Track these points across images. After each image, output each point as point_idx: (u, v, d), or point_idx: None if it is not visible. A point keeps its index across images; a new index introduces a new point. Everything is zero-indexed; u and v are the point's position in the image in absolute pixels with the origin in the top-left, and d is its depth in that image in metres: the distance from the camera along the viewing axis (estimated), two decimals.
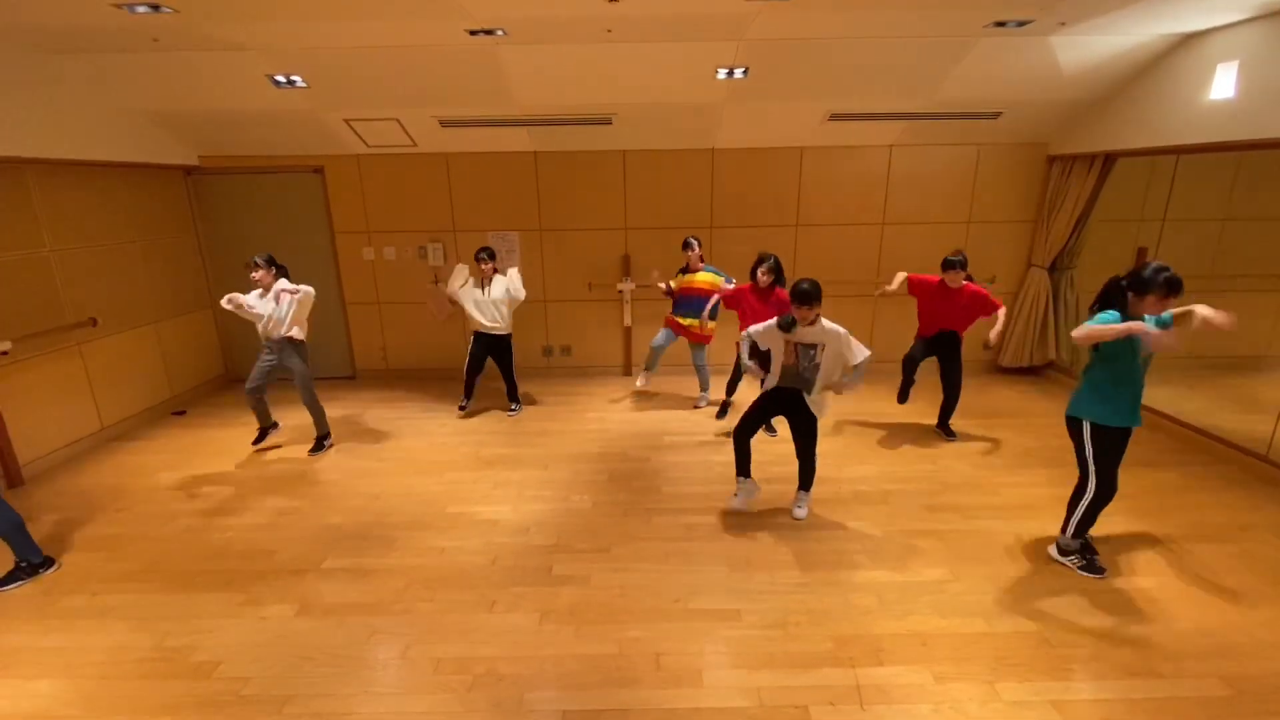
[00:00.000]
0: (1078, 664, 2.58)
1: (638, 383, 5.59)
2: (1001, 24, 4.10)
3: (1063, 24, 4.10)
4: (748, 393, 4.37)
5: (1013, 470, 4.31)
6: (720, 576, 3.20)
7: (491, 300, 5.11)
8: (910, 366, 4.88)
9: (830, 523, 3.68)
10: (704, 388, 5.61)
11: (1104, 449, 3.00)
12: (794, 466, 3.74)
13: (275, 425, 4.89)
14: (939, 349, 4.72)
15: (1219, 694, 2.43)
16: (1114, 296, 2.89)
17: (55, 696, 2.52)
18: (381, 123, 5.39)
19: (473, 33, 4.06)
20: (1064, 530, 3.20)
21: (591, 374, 6.55)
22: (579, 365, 6.59)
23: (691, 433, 5.03)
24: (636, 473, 4.36)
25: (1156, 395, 4.47)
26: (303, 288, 4.38)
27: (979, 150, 5.92)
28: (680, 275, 5.20)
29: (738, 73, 4.72)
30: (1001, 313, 4.47)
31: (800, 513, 3.71)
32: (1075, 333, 2.86)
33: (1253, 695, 2.42)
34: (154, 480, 4.37)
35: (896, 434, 4.93)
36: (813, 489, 3.78)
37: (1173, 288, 2.73)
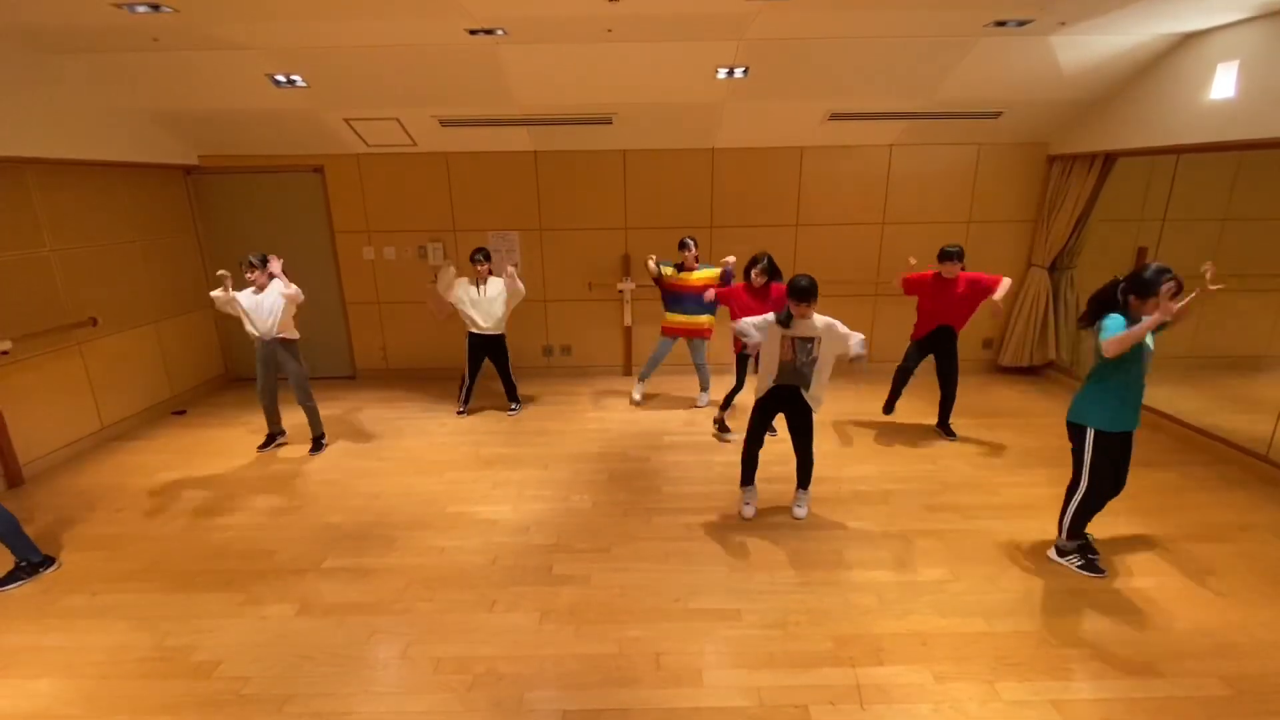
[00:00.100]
0: (1077, 663, 2.59)
1: (635, 396, 5.64)
2: (1001, 24, 4.10)
3: (1063, 23, 4.10)
4: (744, 395, 4.36)
5: (1013, 470, 4.31)
6: (720, 576, 3.20)
7: (487, 300, 5.10)
8: (901, 378, 4.89)
9: (830, 522, 3.68)
10: (704, 387, 5.62)
11: (1103, 453, 3.00)
12: (794, 465, 3.73)
13: (284, 434, 4.89)
14: (935, 346, 4.71)
15: (1219, 694, 2.43)
16: (1112, 301, 2.85)
17: (55, 696, 2.53)
18: (381, 122, 5.39)
19: (473, 32, 4.06)
20: (1059, 531, 3.21)
21: (592, 374, 6.55)
22: (579, 365, 6.59)
23: (692, 433, 5.03)
24: (636, 472, 4.36)
25: (1156, 395, 4.46)
26: (294, 287, 4.38)
27: (979, 150, 5.92)
28: (676, 272, 5.21)
29: (738, 72, 4.72)
30: (1005, 282, 4.45)
31: (800, 512, 3.72)
32: (1108, 349, 2.76)
33: (1253, 695, 2.42)
34: (154, 480, 4.38)
35: (897, 434, 4.93)
36: (812, 488, 3.78)
37: (1175, 288, 2.72)
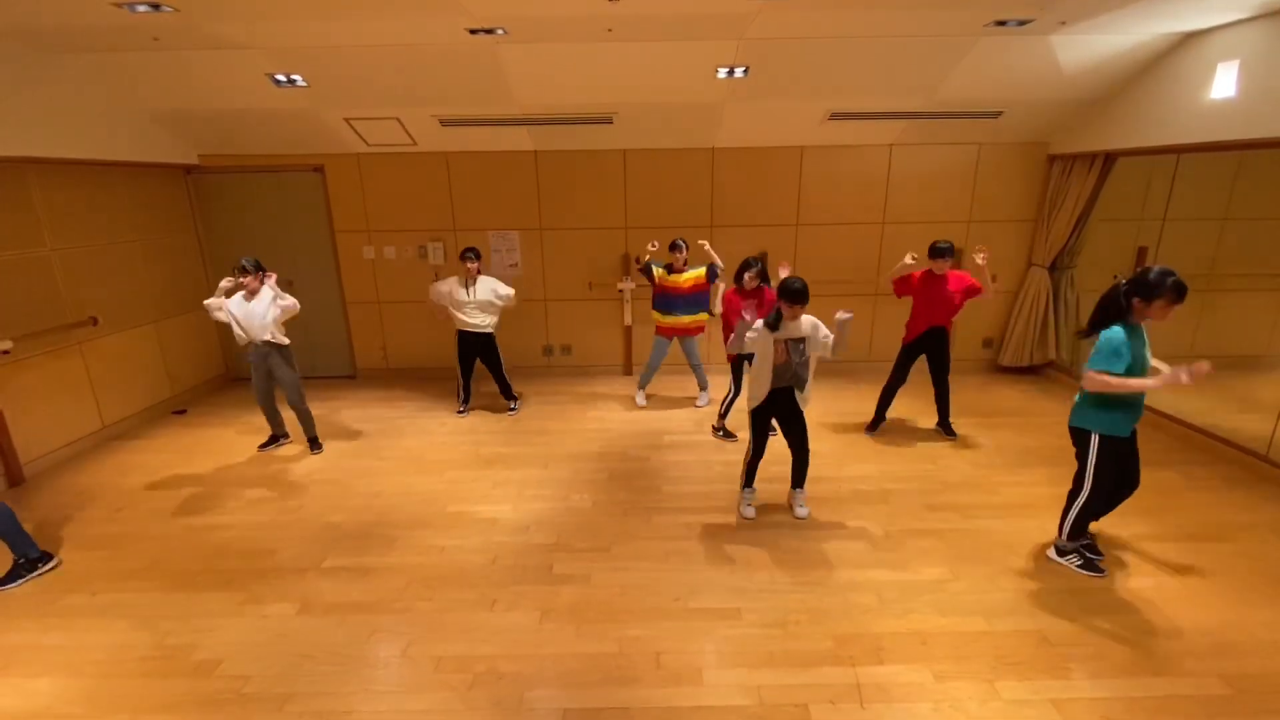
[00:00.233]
0: (1077, 663, 2.59)
1: (639, 400, 5.66)
2: (1002, 23, 4.09)
3: (1063, 23, 4.10)
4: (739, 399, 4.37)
5: (1013, 469, 4.31)
6: (720, 575, 3.20)
7: (475, 301, 5.11)
8: (886, 397, 4.88)
9: (830, 522, 3.68)
10: (703, 386, 5.63)
11: (1107, 457, 2.98)
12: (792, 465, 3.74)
13: (287, 436, 4.89)
14: (926, 347, 4.71)
15: (1218, 693, 2.43)
16: (1115, 305, 2.83)
17: (56, 695, 2.53)
18: (382, 122, 5.39)
19: (473, 31, 4.06)
20: (1059, 532, 3.21)
21: (592, 373, 6.55)
22: (579, 365, 6.59)
23: (691, 432, 5.04)
24: (637, 472, 4.36)
25: (1157, 394, 4.45)
26: (286, 300, 4.38)
27: (979, 149, 5.92)
28: (666, 273, 5.23)
29: (738, 72, 4.72)
30: (989, 285, 4.48)
31: (803, 512, 3.72)
32: (1089, 383, 2.76)
33: (1252, 694, 2.42)
34: (155, 479, 4.38)
35: (896, 433, 4.93)
36: (812, 488, 3.78)
37: (1180, 292, 2.69)
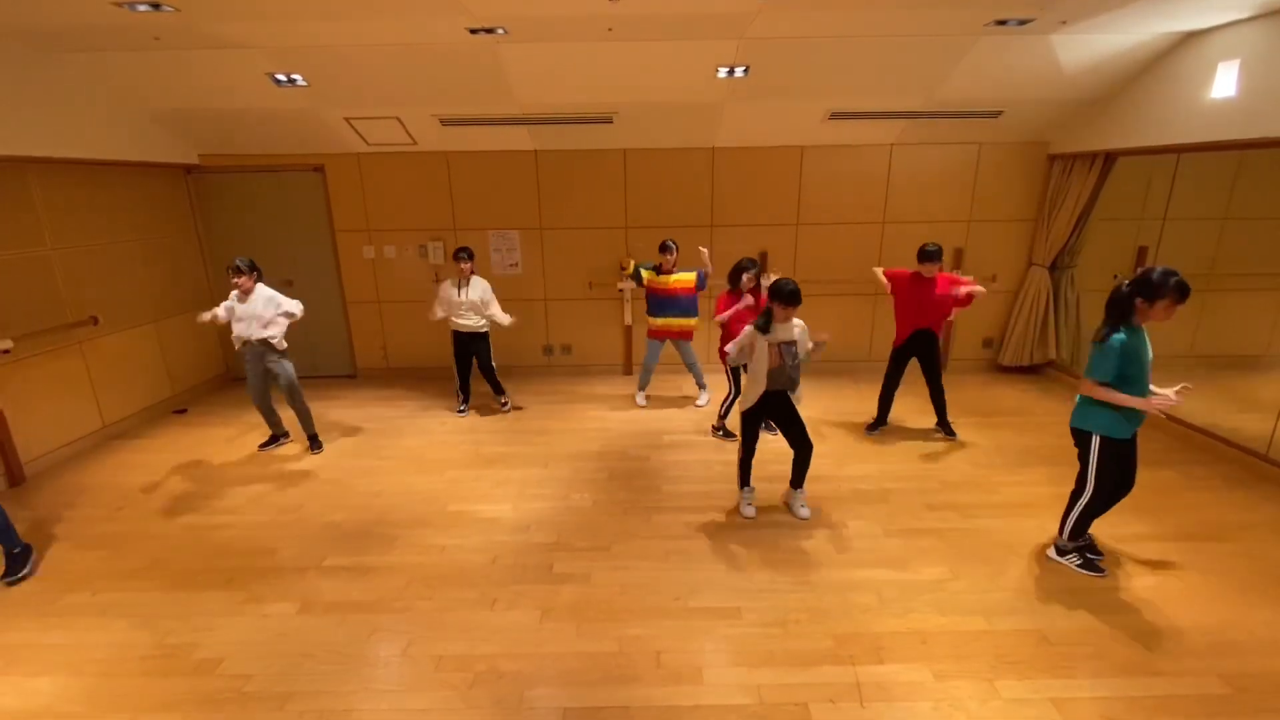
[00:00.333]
0: (1077, 662, 2.59)
1: (639, 401, 5.67)
2: (1002, 22, 4.09)
3: (1064, 22, 4.10)
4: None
5: (1013, 469, 4.31)
6: (720, 575, 3.21)
7: (468, 301, 5.12)
8: (885, 400, 4.89)
9: (830, 521, 3.68)
10: (701, 385, 5.64)
11: (1109, 458, 2.98)
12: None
13: (287, 435, 4.90)
14: (916, 351, 4.71)
15: (1218, 692, 2.43)
16: (1120, 306, 2.83)
17: (57, 694, 2.53)
18: (382, 121, 5.39)
19: (473, 31, 4.07)
20: (1060, 531, 3.21)
21: (592, 373, 6.56)
22: (579, 364, 6.59)
23: (691, 432, 5.04)
24: (637, 471, 4.36)
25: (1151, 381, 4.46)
26: (291, 306, 4.38)
27: (979, 149, 5.92)
28: (655, 274, 5.24)
29: (738, 71, 4.72)
30: (980, 290, 4.47)
31: (805, 512, 3.71)
32: (1083, 391, 2.85)
33: (1252, 693, 2.43)
34: (155, 478, 4.38)
35: (896, 433, 4.93)
36: (812, 487, 3.78)
37: (1183, 292, 2.70)
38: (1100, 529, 3.37)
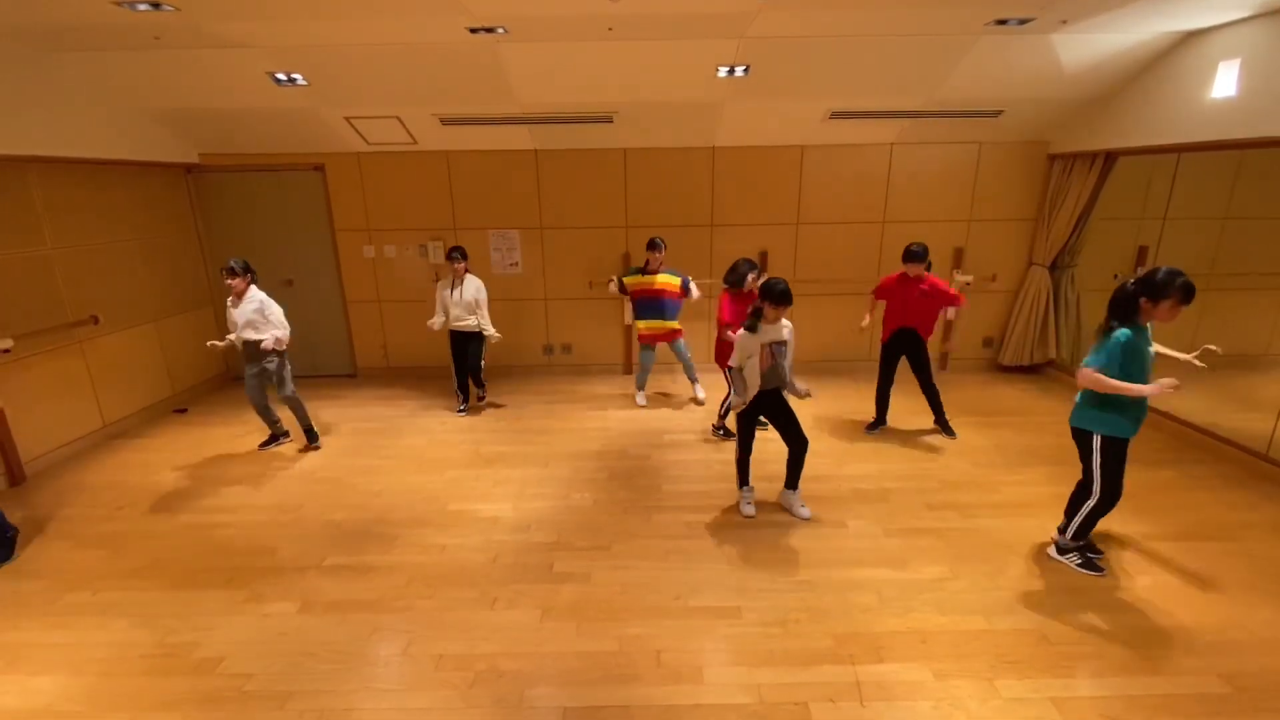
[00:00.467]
0: (1077, 661, 2.59)
1: (639, 401, 5.67)
2: (1003, 22, 4.09)
3: (1064, 22, 4.10)
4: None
5: (1013, 468, 4.31)
6: (720, 574, 3.21)
7: (463, 301, 5.12)
8: (881, 397, 4.90)
9: (830, 521, 3.68)
10: (693, 378, 5.63)
11: (1112, 459, 2.98)
12: None
13: (286, 434, 4.90)
14: (904, 350, 4.72)
15: (1218, 691, 2.44)
16: (1123, 305, 2.82)
17: (58, 693, 2.54)
18: (382, 120, 5.39)
19: (474, 30, 4.06)
20: (1063, 532, 3.21)
21: (592, 372, 6.56)
22: (579, 363, 6.59)
23: (692, 431, 5.04)
24: (637, 470, 4.37)
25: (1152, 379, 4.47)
26: (277, 329, 4.35)
27: (980, 148, 5.92)
28: (637, 275, 5.23)
29: (739, 71, 4.72)
30: (963, 302, 4.52)
31: (805, 512, 3.71)
32: (1085, 379, 2.80)
33: (1252, 693, 2.43)
34: (156, 478, 4.38)
35: (896, 432, 4.93)
36: (812, 487, 3.79)
37: (1188, 293, 2.69)
38: (1101, 528, 3.38)
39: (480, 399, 5.61)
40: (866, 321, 4.86)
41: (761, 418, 3.74)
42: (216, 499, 4.08)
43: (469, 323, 5.21)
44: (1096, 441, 2.98)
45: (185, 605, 3.04)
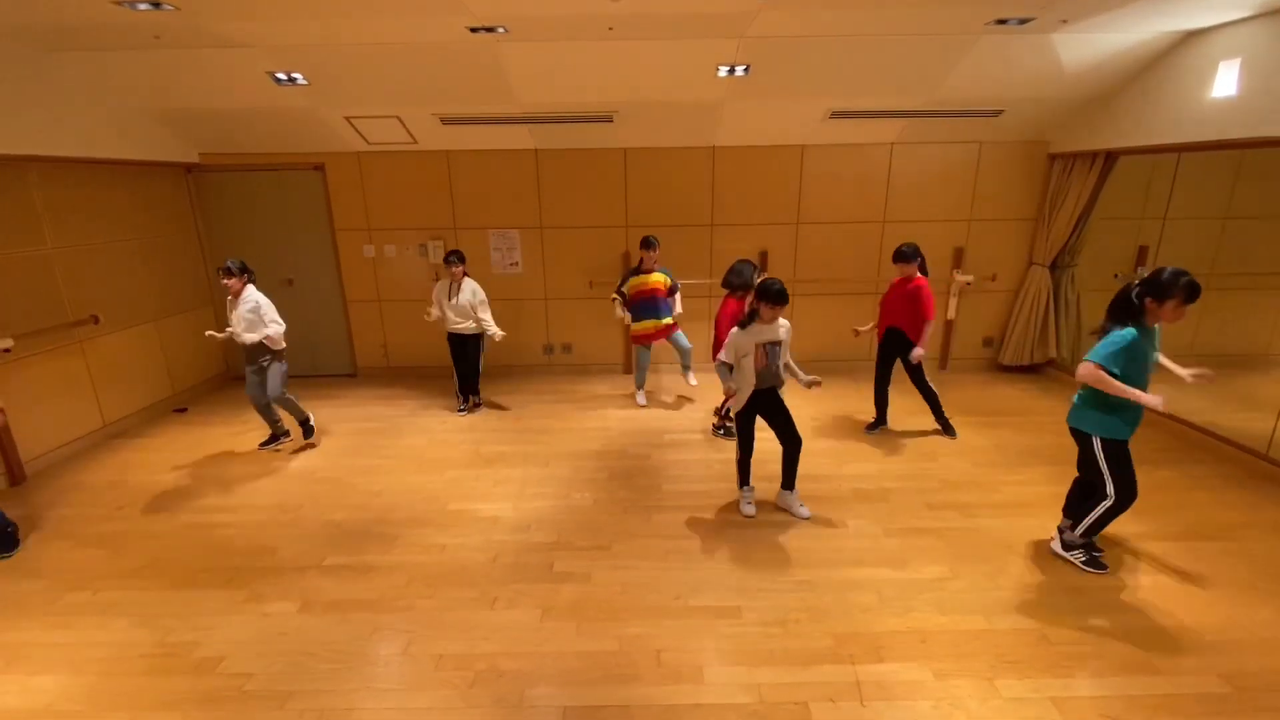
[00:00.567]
0: (1077, 661, 2.59)
1: (639, 400, 5.67)
2: (1003, 21, 4.09)
3: (1064, 21, 4.10)
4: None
5: (1013, 468, 4.31)
6: (720, 574, 3.21)
7: (459, 306, 5.14)
8: (879, 396, 4.90)
9: (830, 520, 3.68)
10: (688, 367, 5.48)
11: (1118, 459, 2.97)
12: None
13: (287, 434, 4.90)
14: (893, 348, 4.72)
15: (1218, 691, 2.44)
16: (1126, 307, 2.81)
17: (58, 692, 2.54)
18: (382, 120, 5.39)
19: (474, 30, 4.06)
20: (1074, 527, 3.19)
21: (592, 372, 6.56)
22: (579, 363, 6.59)
23: (692, 430, 5.04)
24: (637, 470, 4.37)
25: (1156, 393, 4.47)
26: (271, 329, 4.33)
27: (980, 148, 5.92)
28: (631, 278, 5.23)
29: (739, 70, 4.72)
30: (926, 328, 4.46)
31: (805, 511, 3.71)
32: (1085, 373, 2.78)
33: (1252, 692, 2.43)
34: (156, 477, 4.38)
35: (896, 432, 4.93)
36: (812, 486, 3.79)
37: (1193, 292, 2.69)
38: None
39: (475, 404, 5.59)
40: (866, 328, 4.85)
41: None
42: (217, 498, 4.08)
43: (467, 326, 5.22)
44: (1097, 444, 2.98)
45: (185, 605, 3.04)
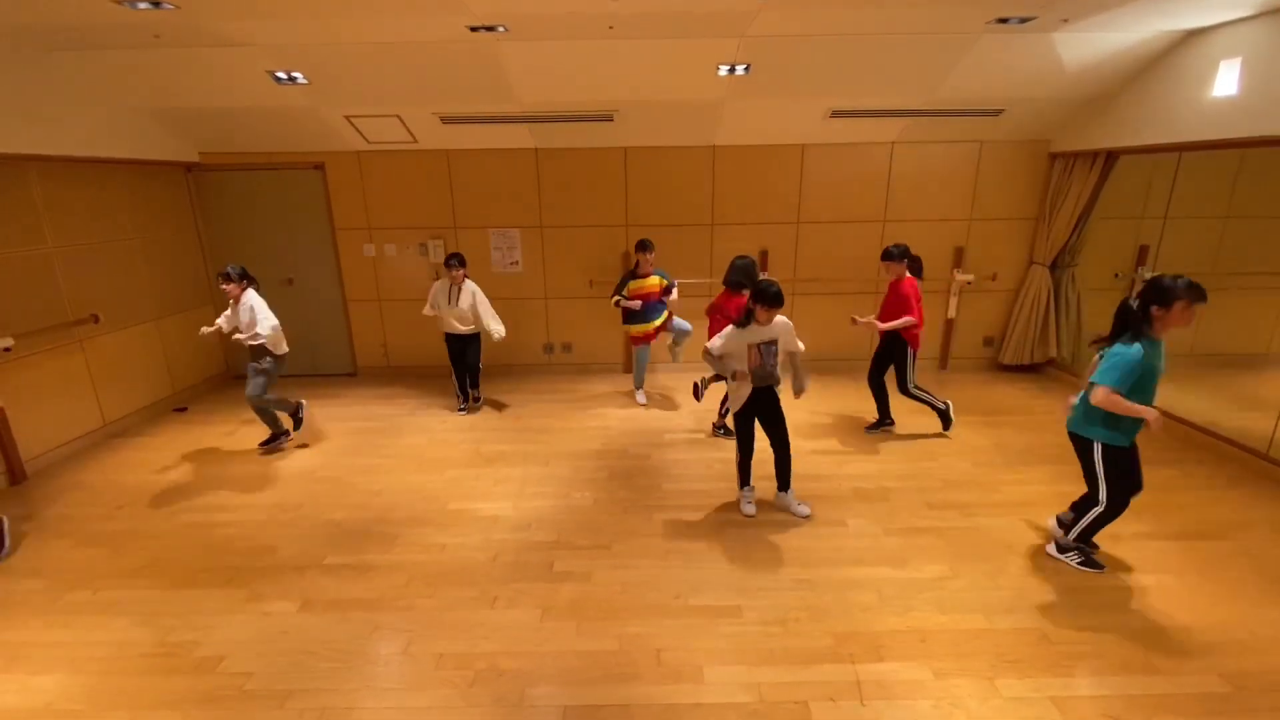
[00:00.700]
0: (1077, 660, 2.59)
1: (640, 399, 5.67)
2: (1004, 20, 4.09)
3: (1065, 21, 4.09)
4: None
5: (1013, 467, 4.31)
6: (720, 573, 3.21)
7: (459, 310, 5.14)
8: (877, 395, 4.91)
9: (830, 520, 3.68)
10: (679, 344, 5.46)
11: (1116, 466, 2.97)
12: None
13: (287, 433, 4.90)
14: (890, 351, 4.72)
15: (1218, 690, 2.44)
16: (1132, 321, 2.80)
17: (59, 691, 2.54)
18: (382, 119, 5.39)
19: (474, 29, 4.06)
20: (1066, 531, 3.20)
21: (592, 371, 6.56)
22: (580, 363, 6.59)
23: (692, 430, 5.04)
24: (637, 470, 4.37)
25: (1157, 393, 4.47)
26: (262, 328, 4.33)
27: (981, 147, 5.91)
28: (629, 281, 5.22)
29: (739, 69, 4.71)
30: (901, 321, 4.47)
31: (804, 510, 3.72)
32: (1099, 397, 2.76)
33: (1252, 692, 2.43)
34: (156, 476, 4.39)
35: (896, 432, 4.93)
36: (812, 486, 3.79)
37: (1196, 290, 2.69)
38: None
39: (475, 400, 5.60)
40: (865, 319, 4.84)
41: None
42: (217, 498, 4.08)
43: (466, 328, 5.21)
44: (1098, 450, 2.97)
45: (185, 604, 3.04)
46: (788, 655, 2.64)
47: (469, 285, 5.17)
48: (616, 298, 5.27)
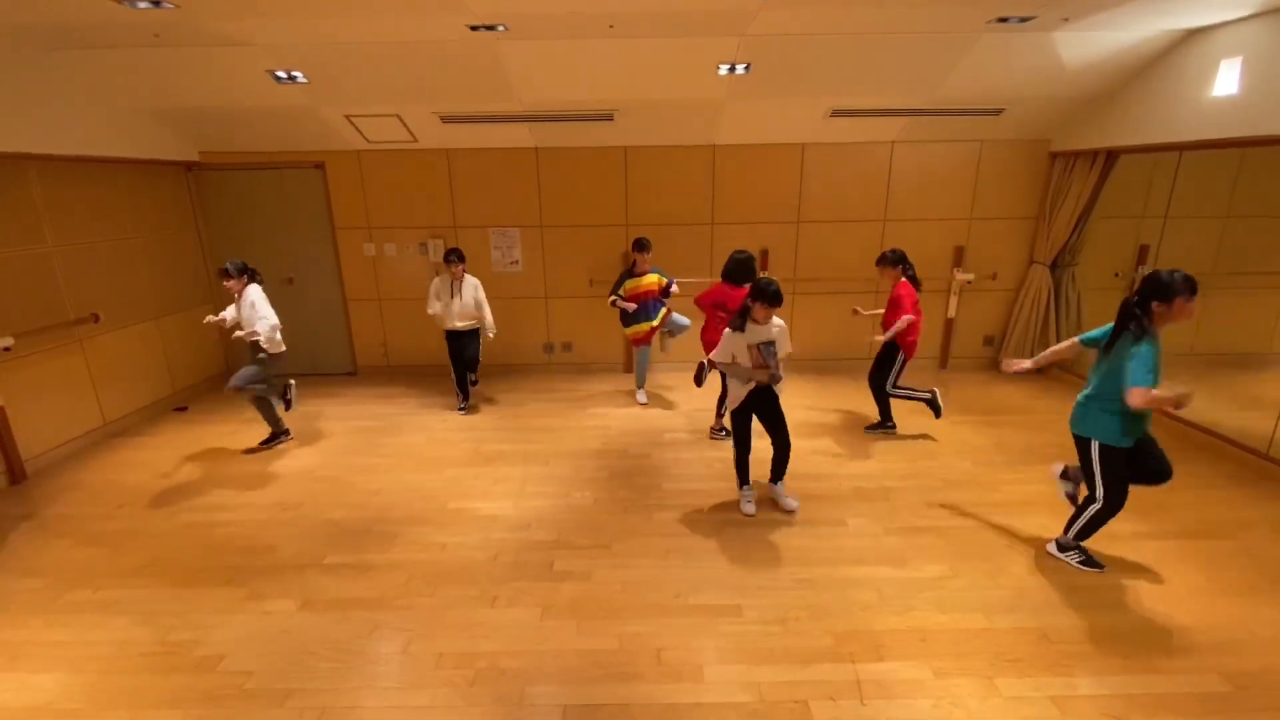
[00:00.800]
0: (1077, 660, 2.59)
1: (639, 399, 5.67)
2: (1004, 20, 4.08)
3: (1066, 20, 4.09)
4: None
5: (1013, 467, 4.31)
6: (720, 572, 3.21)
7: (461, 306, 5.14)
8: (877, 394, 4.91)
9: (830, 519, 3.68)
10: (672, 335, 5.45)
11: (1111, 465, 2.97)
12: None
13: (287, 433, 4.90)
14: (889, 355, 4.72)
15: (1218, 690, 2.44)
16: (1133, 317, 2.79)
17: (59, 690, 2.54)
18: (382, 118, 5.39)
19: (474, 28, 4.06)
20: (1065, 531, 3.20)
21: (593, 371, 6.56)
22: (580, 362, 6.59)
23: (692, 429, 5.04)
24: (637, 469, 4.37)
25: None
26: (261, 325, 4.33)
27: (981, 146, 5.91)
28: (626, 280, 5.22)
29: (739, 69, 4.71)
30: (898, 324, 4.46)
31: (792, 503, 3.73)
32: (1135, 399, 2.73)
33: (1252, 691, 2.43)
34: (156, 476, 4.39)
35: (897, 432, 4.93)
36: (812, 485, 3.79)
37: (1191, 283, 2.70)
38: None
39: (473, 382, 5.60)
40: (868, 312, 4.84)
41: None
42: (217, 497, 4.08)
43: (469, 323, 5.21)
44: (1094, 449, 2.98)
45: (185, 603, 3.05)
46: (788, 654, 2.64)
47: (470, 280, 5.17)
48: (613, 298, 5.28)
